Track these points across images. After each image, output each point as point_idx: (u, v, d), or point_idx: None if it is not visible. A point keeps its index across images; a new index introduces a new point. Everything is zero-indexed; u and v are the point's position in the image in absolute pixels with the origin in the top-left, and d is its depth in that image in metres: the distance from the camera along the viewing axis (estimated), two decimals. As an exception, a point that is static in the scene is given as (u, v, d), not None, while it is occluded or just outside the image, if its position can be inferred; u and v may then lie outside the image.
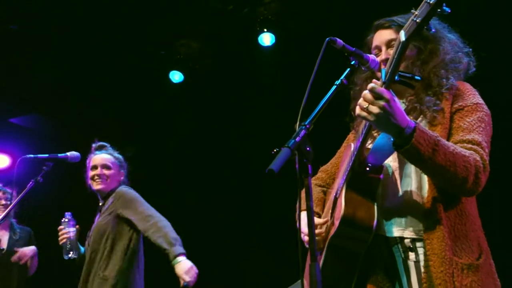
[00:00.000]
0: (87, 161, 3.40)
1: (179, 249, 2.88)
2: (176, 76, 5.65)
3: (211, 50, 5.43)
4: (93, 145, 3.42)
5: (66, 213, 3.22)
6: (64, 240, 3.12)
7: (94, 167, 3.30)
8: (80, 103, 5.56)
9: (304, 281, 2.02)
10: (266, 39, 5.16)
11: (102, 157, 3.35)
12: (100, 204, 3.36)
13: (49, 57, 5.10)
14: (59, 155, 3.00)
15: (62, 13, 4.75)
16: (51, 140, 5.66)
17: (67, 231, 3.13)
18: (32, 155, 2.92)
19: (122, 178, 3.40)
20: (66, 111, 5.68)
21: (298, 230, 1.55)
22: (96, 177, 3.28)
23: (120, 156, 3.44)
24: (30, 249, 3.98)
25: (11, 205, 2.74)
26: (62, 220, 3.18)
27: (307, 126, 1.49)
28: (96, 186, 3.28)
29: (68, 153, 3.08)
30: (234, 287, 5.54)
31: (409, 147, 1.55)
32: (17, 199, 2.81)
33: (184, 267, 2.80)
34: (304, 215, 1.66)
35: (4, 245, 4.03)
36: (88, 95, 5.48)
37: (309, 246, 1.37)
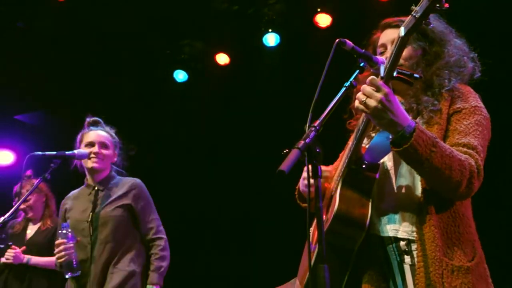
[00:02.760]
0: (79, 137, 3.15)
1: (159, 279, 2.96)
2: (180, 75, 5.67)
3: (216, 50, 5.44)
4: (87, 119, 3.19)
5: (63, 224, 2.89)
6: (66, 257, 2.78)
7: (91, 144, 3.05)
8: (84, 102, 5.57)
9: (297, 281, 2.03)
10: (271, 39, 5.19)
11: (100, 134, 3.11)
12: (96, 188, 3.06)
13: (54, 55, 5.11)
14: (66, 152, 2.92)
15: (68, 11, 4.77)
16: (55, 138, 5.66)
17: (70, 245, 2.80)
18: (40, 153, 2.84)
19: (115, 159, 3.17)
20: (70, 109, 5.69)
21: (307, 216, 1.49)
22: (92, 155, 3.02)
23: (115, 136, 3.21)
24: (21, 257, 3.79)
25: (19, 201, 2.71)
26: (59, 232, 2.84)
27: (317, 127, 1.48)
28: (91, 164, 3.02)
29: (76, 151, 2.98)
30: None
31: (407, 147, 1.54)
32: (25, 195, 2.80)
33: None
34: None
35: (29, 236, 4.01)
36: (93, 94, 5.49)
37: (318, 247, 1.37)
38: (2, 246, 2.53)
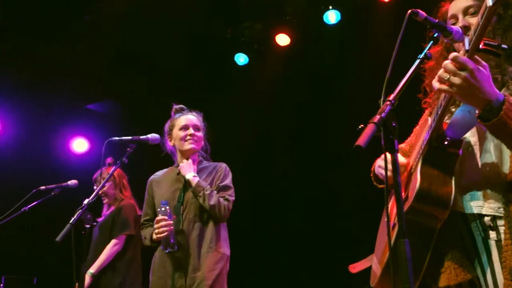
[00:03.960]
0: (168, 125, 3.26)
1: (198, 183, 2.99)
2: (241, 59, 5.71)
3: (276, 31, 5.41)
4: (175, 107, 3.31)
5: (162, 201, 2.95)
6: (166, 233, 2.86)
7: (185, 127, 3.18)
8: (149, 89, 5.77)
9: (374, 258, 2.01)
10: (332, 17, 5.11)
11: (191, 118, 3.24)
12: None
13: (121, 45, 5.30)
14: (141, 137, 3.02)
15: (133, 3, 4.90)
16: (125, 125, 5.92)
17: (171, 222, 2.88)
18: (117, 138, 2.96)
19: (202, 143, 3.28)
20: (136, 96, 5.92)
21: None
22: (188, 137, 3.15)
23: (203, 120, 3.34)
24: None
25: (101, 185, 2.87)
26: (159, 209, 2.91)
27: (392, 101, 1.43)
28: (188, 145, 3.14)
29: (149, 135, 3.07)
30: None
31: (496, 121, 1.48)
32: (106, 178, 2.97)
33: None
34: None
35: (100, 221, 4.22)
36: (158, 82, 5.65)
37: (398, 223, 1.35)
38: (88, 226, 2.70)
